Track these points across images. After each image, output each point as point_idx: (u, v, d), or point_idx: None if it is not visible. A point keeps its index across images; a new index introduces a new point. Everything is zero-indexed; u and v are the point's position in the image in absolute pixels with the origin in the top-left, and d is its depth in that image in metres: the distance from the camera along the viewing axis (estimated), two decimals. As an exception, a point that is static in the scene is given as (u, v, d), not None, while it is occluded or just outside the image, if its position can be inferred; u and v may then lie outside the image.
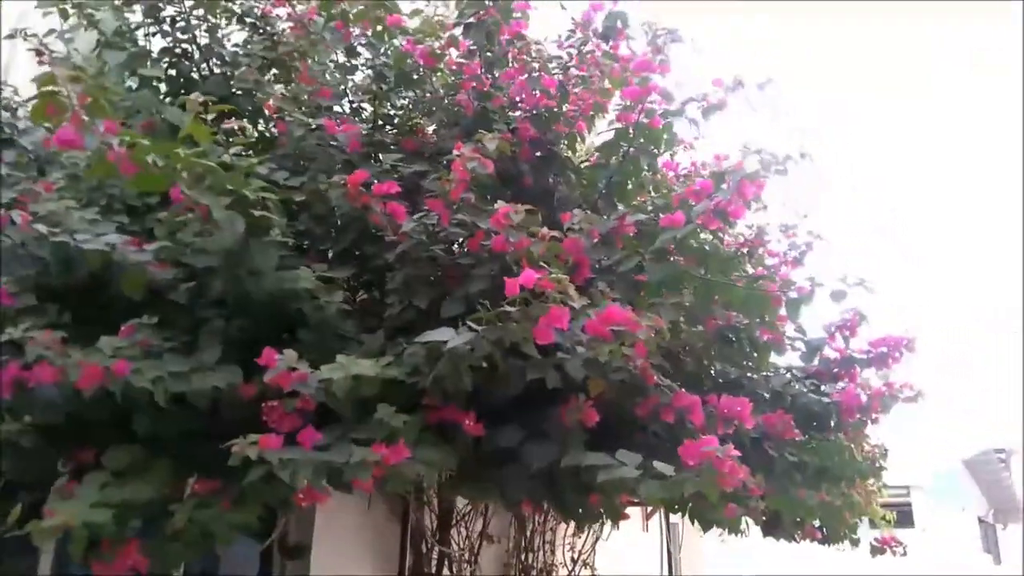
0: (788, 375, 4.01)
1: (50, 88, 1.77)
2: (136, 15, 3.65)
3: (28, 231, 2.26)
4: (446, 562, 5.44)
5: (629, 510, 8.48)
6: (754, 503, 2.95)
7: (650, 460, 2.83)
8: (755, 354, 3.57)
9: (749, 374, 3.92)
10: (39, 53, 3.66)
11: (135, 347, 2.33)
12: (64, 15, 3.63)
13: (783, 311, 2.76)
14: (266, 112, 3.20)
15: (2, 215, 2.33)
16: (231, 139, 2.38)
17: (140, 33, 3.59)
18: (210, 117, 2.30)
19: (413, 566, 5.30)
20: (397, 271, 2.76)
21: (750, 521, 4.82)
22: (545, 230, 2.34)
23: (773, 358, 4.05)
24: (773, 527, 4.33)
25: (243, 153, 2.55)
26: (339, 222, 3.02)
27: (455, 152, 2.54)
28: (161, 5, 3.43)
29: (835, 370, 3.86)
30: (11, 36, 3.63)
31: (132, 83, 3.66)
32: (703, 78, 4.13)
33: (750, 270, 4.53)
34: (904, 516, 16.24)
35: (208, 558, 4.24)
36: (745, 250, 4.49)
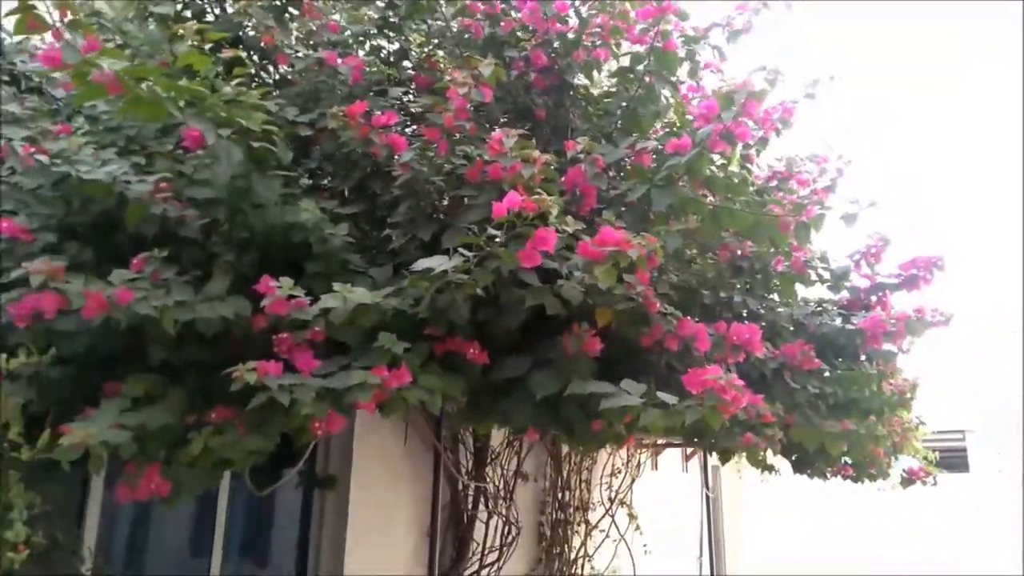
0: (817, 307, 3.92)
1: (28, 2, 1.78)
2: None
3: (29, 162, 2.33)
4: (482, 498, 5.57)
5: (669, 451, 8.46)
6: (771, 431, 2.92)
7: (657, 389, 2.84)
8: (776, 285, 3.49)
9: (777, 307, 3.85)
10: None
11: (146, 280, 2.40)
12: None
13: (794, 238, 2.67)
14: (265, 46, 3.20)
15: (2, 144, 2.40)
16: (233, 72, 2.39)
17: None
18: (208, 47, 2.31)
19: (450, 502, 5.45)
20: (402, 203, 2.77)
21: (780, 460, 4.79)
22: (537, 154, 2.30)
23: (802, 291, 3.96)
24: (801, 464, 4.29)
25: (247, 87, 2.56)
26: (348, 159, 3.03)
27: (446, 78, 2.50)
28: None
29: (866, 299, 3.75)
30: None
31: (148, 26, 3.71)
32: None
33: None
34: (959, 461, 15.86)
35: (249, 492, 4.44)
36: (775, 182, 4.36)
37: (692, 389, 2.21)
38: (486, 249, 2.12)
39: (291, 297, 2.18)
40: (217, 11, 3.52)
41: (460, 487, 5.43)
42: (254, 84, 2.56)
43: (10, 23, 3.62)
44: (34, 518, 2.59)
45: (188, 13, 3.51)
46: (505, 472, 5.86)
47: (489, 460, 5.64)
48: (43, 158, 2.35)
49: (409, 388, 2.23)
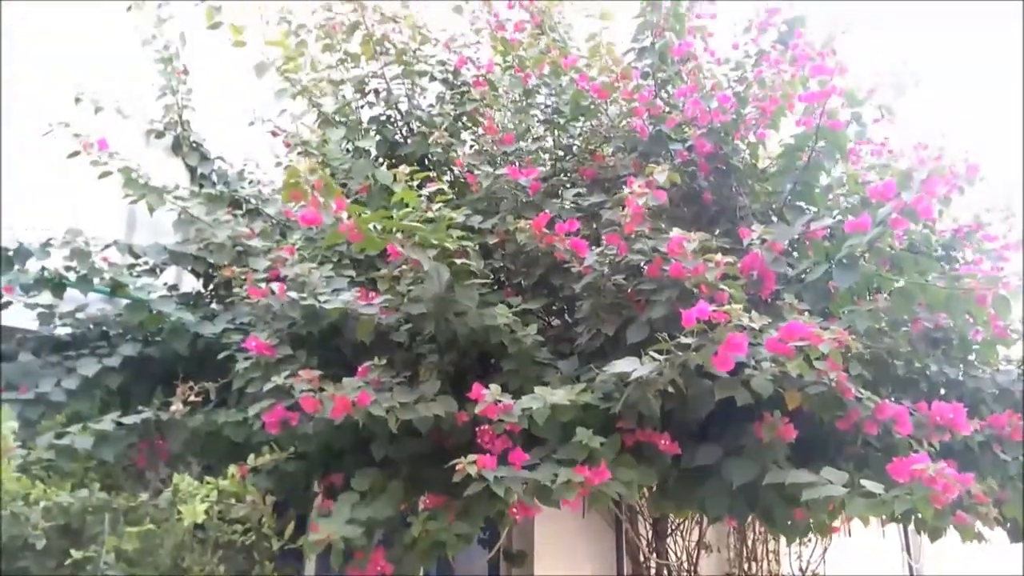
0: (1021, 368, 3.66)
1: (294, 179, 2.18)
2: (347, 88, 4.22)
3: (284, 298, 2.77)
4: (664, 572, 5.51)
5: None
6: (985, 510, 2.75)
7: (861, 472, 2.77)
8: (974, 352, 3.32)
9: (975, 372, 3.63)
10: (274, 134, 4.37)
11: (369, 385, 2.74)
12: (292, 96, 4.28)
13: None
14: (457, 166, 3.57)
15: (263, 288, 2.86)
16: (433, 198, 2.71)
17: (351, 106, 4.12)
18: (416, 183, 2.66)
19: (632, 575, 5.44)
20: (584, 300, 2.96)
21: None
22: (719, 257, 2.41)
23: (1003, 351, 3.72)
24: (1017, 533, 3.93)
25: (443, 205, 2.89)
26: (529, 258, 3.27)
27: (626, 189, 2.68)
28: (367, 81, 3.94)
29: (1080, 361, 3.46)
30: (251, 124, 4.36)
31: (348, 146, 4.23)
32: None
33: (968, 257, 4.18)
34: None
35: (444, 566, 4.71)
36: (962, 235, 4.17)
37: (899, 478, 2.18)
38: (678, 355, 2.24)
39: (497, 401, 2.40)
40: (406, 132, 3.97)
41: (641, 559, 5.41)
42: (440, 199, 2.87)
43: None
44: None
45: (380, 137, 3.99)
46: (687, 543, 5.76)
47: (669, 531, 5.59)
48: (293, 294, 2.78)
49: (608, 483, 2.37)
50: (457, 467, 2.34)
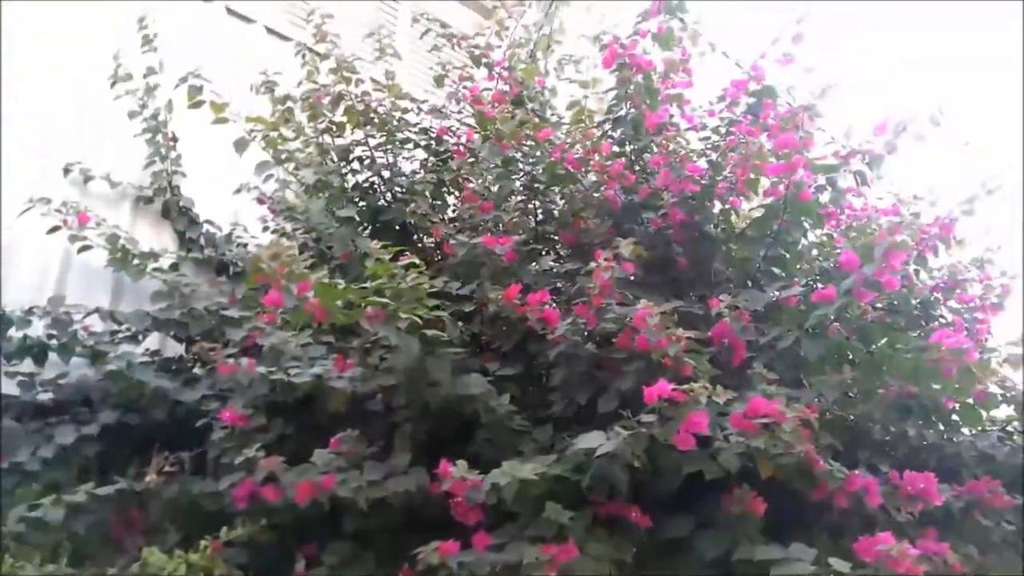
0: (1003, 432, 3.65)
1: (259, 266, 2.23)
2: (332, 155, 4.30)
3: (253, 373, 2.80)
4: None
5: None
6: (962, 580, 2.73)
7: (838, 543, 2.75)
8: (955, 413, 3.32)
9: (957, 436, 3.62)
10: (261, 201, 4.44)
11: (342, 457, 2.74)
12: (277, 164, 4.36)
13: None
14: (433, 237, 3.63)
15: (232, 364, 2.89)
16: (408, 269, 2.75)
17: (335, 173, 4.19)
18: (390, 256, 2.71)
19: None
20: (557, 369, 2.98)
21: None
22: (680, 332, 2.44)
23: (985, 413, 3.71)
24: (1011, 603, 3.86)
25: (419, 274, 2.93)
26: (507, 323, 3.30)
27: (592, 263, 2.73)
28: (352, 149, 4.03)
29: (1067, 420, 3.45)
30: (238, 191, 4.44)
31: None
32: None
33: (947, 315, 4.19)
34: None
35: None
36: (939, 294, 4.19)
37: (865, 557, 2.18)
38: (641, 430, 2.26)
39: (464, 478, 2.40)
40: (388, 198, 4.04)
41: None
42: (415, 270, 2.91)
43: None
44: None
45: (364, 204, 4.06)
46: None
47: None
48: (263, 369, 2.81)
49: (578, 559, 2.35)
50: (419, 557, 2.33)
